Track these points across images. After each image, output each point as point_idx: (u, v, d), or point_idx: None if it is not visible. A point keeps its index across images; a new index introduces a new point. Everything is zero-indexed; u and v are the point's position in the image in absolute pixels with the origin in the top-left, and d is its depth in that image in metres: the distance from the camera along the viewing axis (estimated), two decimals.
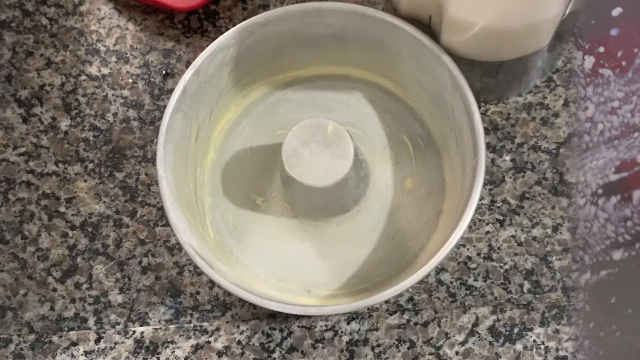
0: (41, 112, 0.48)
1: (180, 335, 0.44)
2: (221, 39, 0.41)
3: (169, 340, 0.44)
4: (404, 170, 0.44)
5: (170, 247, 0.46)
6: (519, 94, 0.47)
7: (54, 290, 0.46)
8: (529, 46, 0.41)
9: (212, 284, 0.45)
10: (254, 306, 0.45)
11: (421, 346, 0.43)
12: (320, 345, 0.44)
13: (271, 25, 0.41)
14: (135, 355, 0.44)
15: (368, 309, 0.44)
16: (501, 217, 0.46)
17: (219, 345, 0.44)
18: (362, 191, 0.43)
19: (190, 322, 0.45)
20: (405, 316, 0.44)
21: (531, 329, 0.43)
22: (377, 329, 0.44)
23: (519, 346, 0.43)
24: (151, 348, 0.44)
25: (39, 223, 0.47)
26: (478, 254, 0.45)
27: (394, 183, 0.44)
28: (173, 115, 0.40)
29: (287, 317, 0.44)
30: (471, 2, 0.37)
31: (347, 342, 0.44)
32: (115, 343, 0.44)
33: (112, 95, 0.49)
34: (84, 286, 0.46)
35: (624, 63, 0.37)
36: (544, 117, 0.47)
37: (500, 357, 0.43)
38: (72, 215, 0.47)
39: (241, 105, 0.45)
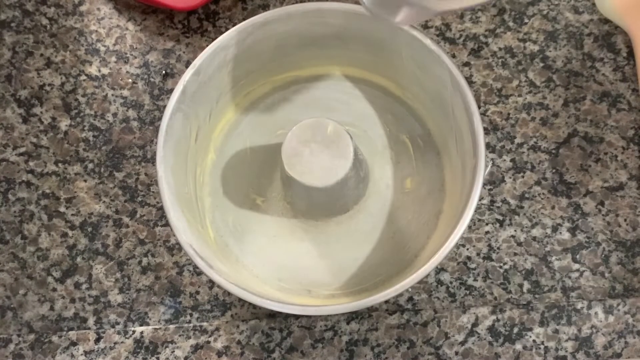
0: (41, 112, 0.48)
1: (180, 335, 0.44)
2: (221, 39, 0.41)
3: (168, 340, 0.44)
4: (403, 170, 0.44)
5: (170, 247, 0.46)
6: None
7: (54, 290, 0.46)
8: None
9: (211, 284, 0.45)
10: (254, 306, 0.45)
11: (421, 346, 0.43)
12: (320, 345, 0.44)
13: (271, 25, 0.41)
14: (135, 355, 0.44)
15: (368, 308, 0.44)
16: (501, 217, 0.46)
17: (218, 345, 0.44)
18: (362, 191, 0.43)
19: (190, 322, 0.45)
20: (405, 316, 0.44)
21: (531, 329, 0.44)
22: (376, 329, 0.44)
23: (518, 346, 0.43)
24: (151, 348, 0.44)
25: (38, 223, 0.47)
26: (478, 254, 0.45)
27: (393, 183, 0.44)
28: (173, 115, 0.40)
29: (287, 317, 0.44)
30: None
31: (346, 342, 0.44)
32: (115, 343, 0.44)
33: (112, 95, 0.49)
34: (84, 286, 0.46)
35: None
36: (543, 117, 0.47)
37: (500, 357, 0.43)
38: (72, 215, 0.47)
39: (241, 105, 0.45)
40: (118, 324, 0.45)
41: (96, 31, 0.50)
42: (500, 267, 0.45)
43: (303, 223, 0.43)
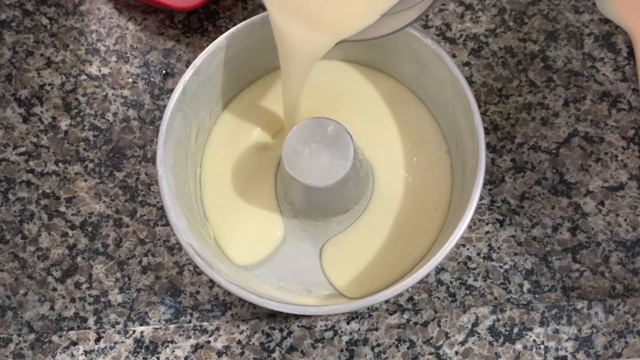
0: (41, 112, 0.48)
1: (180, 335, 0.44)
2: (221, 38, 0.41)
3: (168, 340, 0.44)
4: None
5: (170, 247, 0.46)
6: None
7: (54, 289, 0.46)
8: None
9: (212, 283, 0.45)
10: (254, 306, 0.45)
11: (421, 346, 0.43)
12: (320, 345, 0.44)
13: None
14: (135, 354, 0.44)
15: (368, 308, 0.44)
16: (501, 217, 0.46)
17: (218, 345, 0.44)
18: (362, 191, 0.43)
19: (190, 321, 0.45)
20: (405, 316, 0.44)
21: (531, 329, 0.44)
22: (377, 329, 0.44)
23: (518, 346, 0.43)
24: (151, 348, 0.44)
25: (39, 223, 0.47)
26: (478, 254, 0.45)
27: None
28: (173, 115, 0.40)
29: (287, 317, 0.44)
30: None
31: (347, 342, 0.44)
32: (115, 343, 0.44)
33: (112, 94, 0.49)
34: (84, 286, 0.46)
35: None
36: (544, 117, 0.47)
37: (500, 357, 0.43)
38: (72, 214, 0.47)
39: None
40: (118, 323, 0.45)
41: (96, 31, 0.50)
42: (501, 267, 0.45)
43: (303, 223, 0.43)
